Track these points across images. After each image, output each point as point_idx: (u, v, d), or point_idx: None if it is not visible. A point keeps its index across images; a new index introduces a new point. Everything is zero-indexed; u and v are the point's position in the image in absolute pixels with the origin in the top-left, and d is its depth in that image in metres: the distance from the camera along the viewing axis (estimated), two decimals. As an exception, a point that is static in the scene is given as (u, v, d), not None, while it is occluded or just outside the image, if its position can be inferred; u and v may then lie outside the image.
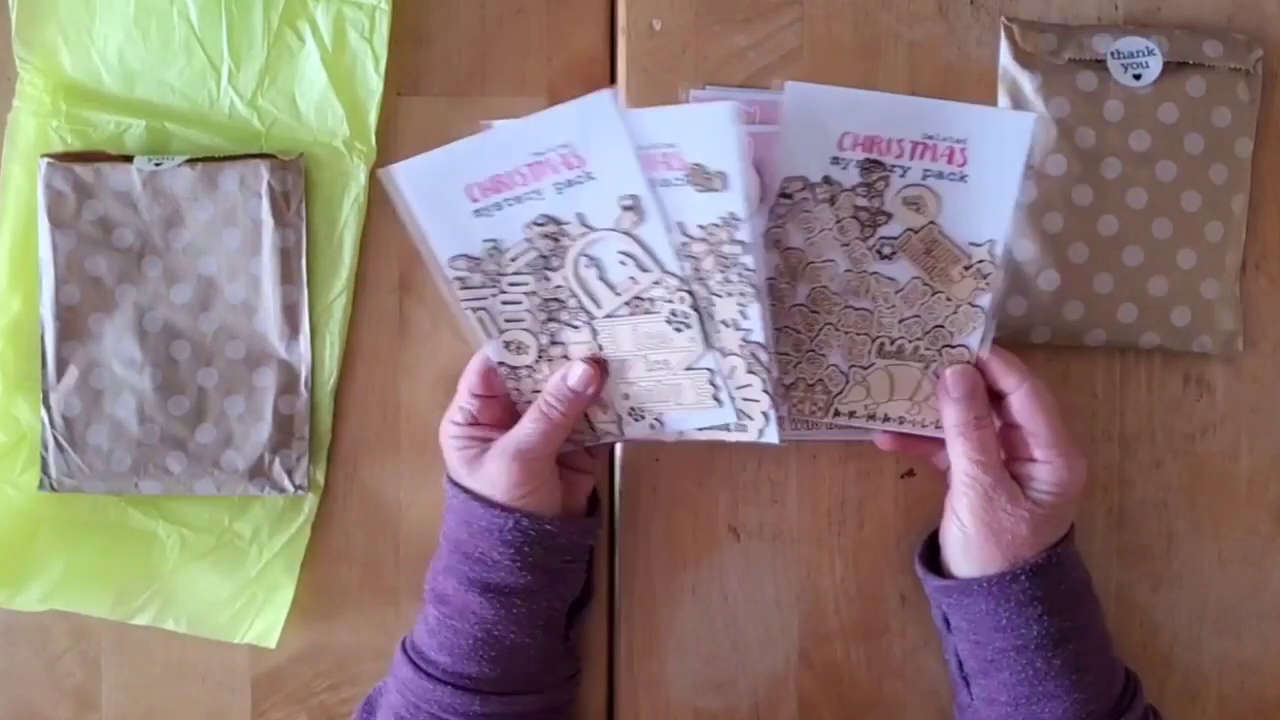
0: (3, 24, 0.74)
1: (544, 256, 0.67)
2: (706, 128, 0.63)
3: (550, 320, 0.69)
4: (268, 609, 0.74)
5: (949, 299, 0.68)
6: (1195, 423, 0.75)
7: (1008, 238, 0.67)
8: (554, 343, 0.69)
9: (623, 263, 0.67)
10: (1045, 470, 0.67)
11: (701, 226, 0.65)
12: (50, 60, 0.74)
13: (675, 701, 0.75)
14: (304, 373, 0.74)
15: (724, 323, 0.67)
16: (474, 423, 0.69)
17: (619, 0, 0.75)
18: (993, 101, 0.73)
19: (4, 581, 0.73)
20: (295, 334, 0.74)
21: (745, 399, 0.69)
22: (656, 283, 0.67)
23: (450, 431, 0.69)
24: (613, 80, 0.76)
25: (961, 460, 0.67)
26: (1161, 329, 0.73)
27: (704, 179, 0.64)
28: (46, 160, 0.72)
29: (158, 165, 0.73)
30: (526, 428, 0.68)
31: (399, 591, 0.76)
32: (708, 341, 0.68)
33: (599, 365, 0.69)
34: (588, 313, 0.68)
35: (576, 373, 0.69)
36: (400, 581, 0.76)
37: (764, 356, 0.67)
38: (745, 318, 0.67)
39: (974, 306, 0.68)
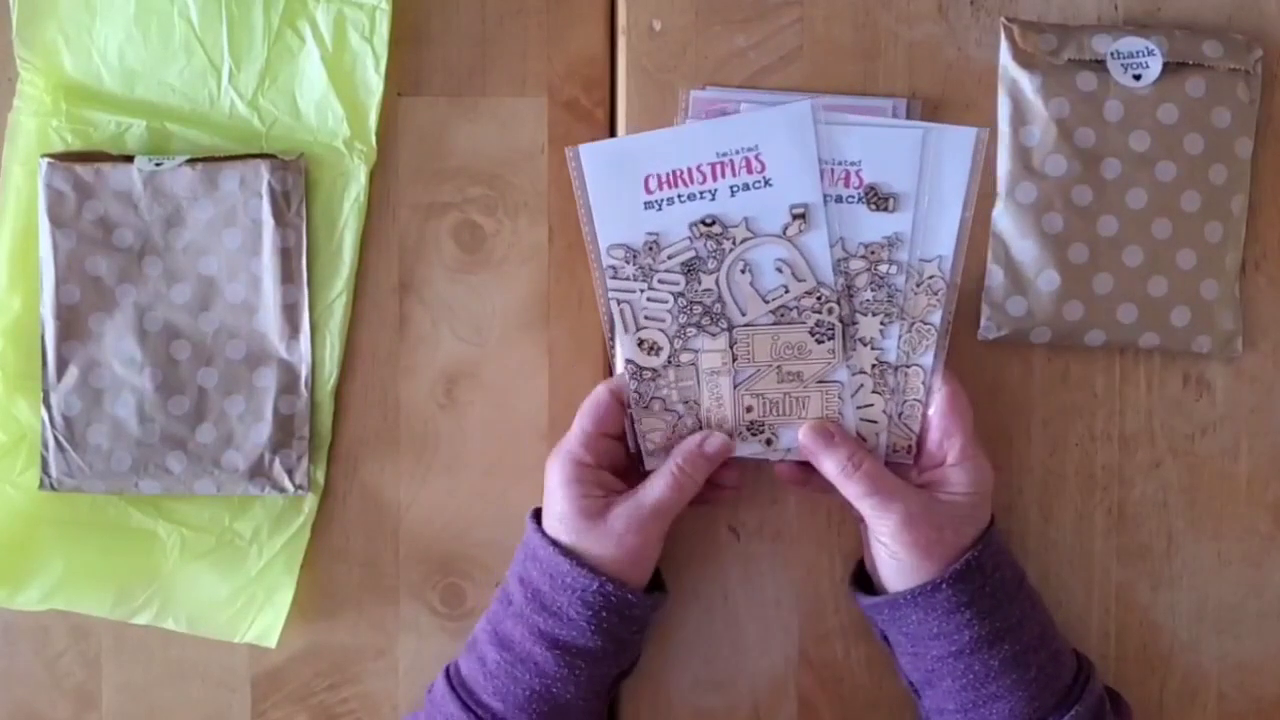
0: (3, 24, 0.74)
1: (700, 258, 0.69)
2: (893, 151, 0.67)
3: (689, 325, 0.69)
4: (267, 609, 0.74)
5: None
6: (1195, 422, 0.75)
7: (957, 254, 0.69)
8: (686, 349, 0.69)
9: (779, 269, 0.69)
10: (958, 472, 0.67)
11: (864, 244, 0.68)
12: (50, 60, 0.74)
13: (675, 701, 0.75)
14: (304, 372, 0.74)
15: (861, 340, 0.69)
16: (599, 465, 0.67)
17: (619, 0, 0.75)
18: (993, 102, 0.74)
19: (4, 581, 0.73)
20: (295, 334, 0.74)
21: (864, 419, 0.70)
22: (808, 293, 0.69)
23: (574, 474, 0.67)
24: (613, 79, 0.76)
25: (861, 502, 0.67)
26: (1161, 329, 0.73)
27: (878, 199, 0.67)
28: (47, 160, 0.73)
29: (158, 165, 0.73)
30: (660, 488, 0.66)
31: (399, 591, 0.76)
32: (844, 356, 0.69)
33: (730, 443, 0.69)
34: (728, 319, 0.69)
35: (715, 442, 0.68)
36: (400, 581, 0.76)
37: (892, 379, 0.69)
38: (884, 337, 0.69)
39: (926, 324, 0.69)
